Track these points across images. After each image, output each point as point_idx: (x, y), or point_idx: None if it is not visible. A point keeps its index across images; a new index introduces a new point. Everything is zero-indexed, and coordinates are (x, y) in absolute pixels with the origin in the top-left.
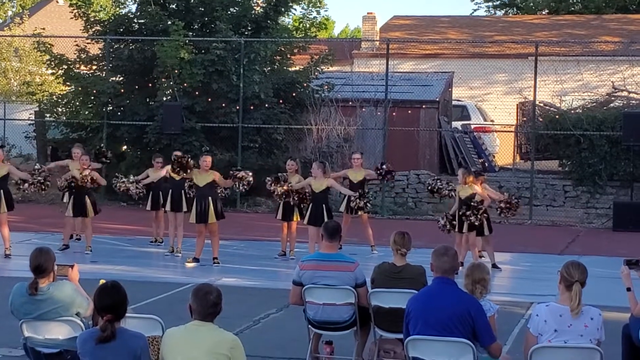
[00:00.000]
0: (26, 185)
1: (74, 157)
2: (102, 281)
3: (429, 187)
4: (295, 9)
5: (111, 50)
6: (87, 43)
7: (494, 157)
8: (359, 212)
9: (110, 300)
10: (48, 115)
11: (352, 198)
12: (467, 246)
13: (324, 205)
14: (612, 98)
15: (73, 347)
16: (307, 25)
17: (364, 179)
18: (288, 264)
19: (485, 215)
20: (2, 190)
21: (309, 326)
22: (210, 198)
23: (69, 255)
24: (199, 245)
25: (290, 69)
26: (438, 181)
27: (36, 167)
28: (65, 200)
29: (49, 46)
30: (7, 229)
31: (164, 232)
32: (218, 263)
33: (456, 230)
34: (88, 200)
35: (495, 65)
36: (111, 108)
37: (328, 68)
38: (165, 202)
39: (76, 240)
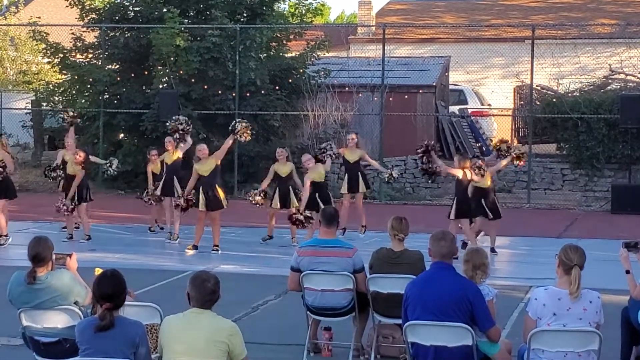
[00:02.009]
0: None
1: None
2: (97, 270)
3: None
4: None
5: (107, 38)
6: (83, 31)
7: (491, 141)
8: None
9: (110, 289)
10: (44, 104)
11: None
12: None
13: (317, 194)
14: (610, 81)
15: (72, 335)
16: (303, 11)
17: (359, 159)
18: (286, 250)
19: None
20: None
21: (308, 312)
22: (216, 185)
23: (67, 244)
24: (199, 233)
25: (286, 56)
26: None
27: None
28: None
29: (44, 35)
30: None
31: (162, 220)
32: (217, 250)
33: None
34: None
35: (491, 49)
36: (107, 96)
37: (324, 54)
38: (157, 188)
39: (75, 228)
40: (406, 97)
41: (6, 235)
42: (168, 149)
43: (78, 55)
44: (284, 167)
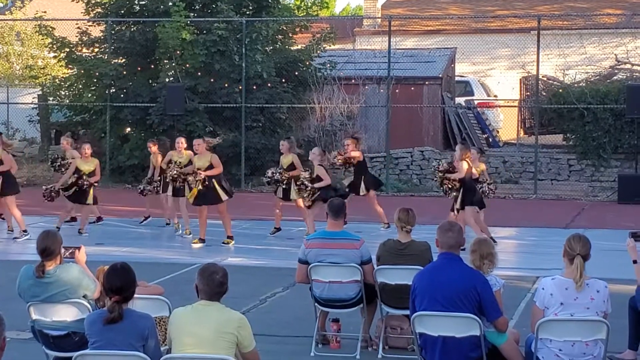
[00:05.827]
0: None
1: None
2: (104, 268)
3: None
4: None
5: (113, 32)
6: (89, 25)
7: (497, 132)
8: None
9: (120, 282)
10: (51, 98)
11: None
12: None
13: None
14: (616, 71)
15: (81, 328)
16: (309, 4)
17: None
18: (293, 243)
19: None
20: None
21: (316, 304)
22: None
23: (75, 238)
24: (202, 225)
25: (292, 48)
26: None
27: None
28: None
29: (50, 29)
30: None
31: (168, 215)
32: (228, 242)
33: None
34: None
35: (497, 40)
36: (114, 90)
37: (330, 46)
38: (167, 188)
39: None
40: (412, 89)
41: (24, 230)
42: (179, 149)
43: (84, 50)
44: (284, 159)
